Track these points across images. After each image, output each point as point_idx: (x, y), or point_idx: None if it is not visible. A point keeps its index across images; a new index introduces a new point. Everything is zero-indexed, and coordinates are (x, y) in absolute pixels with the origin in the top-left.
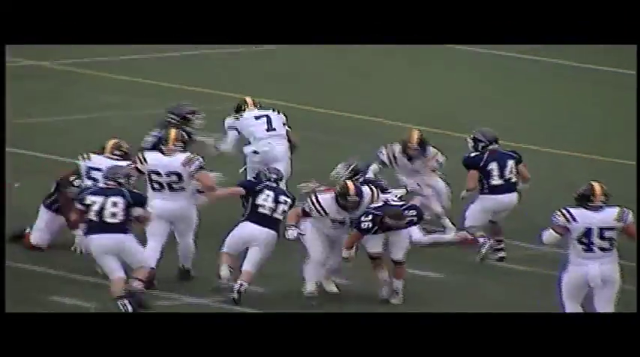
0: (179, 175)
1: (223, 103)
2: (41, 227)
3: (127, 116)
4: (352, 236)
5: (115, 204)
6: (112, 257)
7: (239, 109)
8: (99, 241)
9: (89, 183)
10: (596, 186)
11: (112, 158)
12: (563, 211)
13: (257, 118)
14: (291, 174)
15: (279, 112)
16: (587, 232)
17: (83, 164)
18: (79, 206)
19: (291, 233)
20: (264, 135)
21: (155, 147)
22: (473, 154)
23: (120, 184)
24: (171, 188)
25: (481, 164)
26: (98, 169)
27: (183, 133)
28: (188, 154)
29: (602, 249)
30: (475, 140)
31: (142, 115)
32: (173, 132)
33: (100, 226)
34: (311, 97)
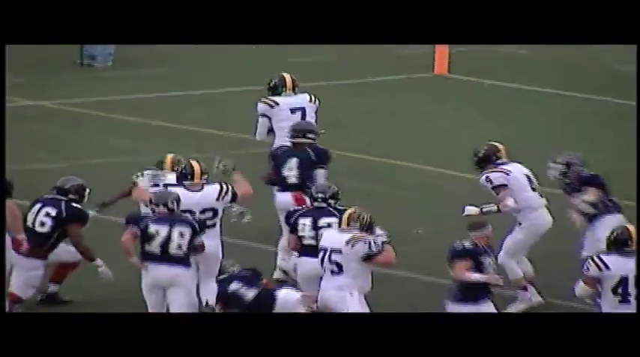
0: (215, 211)
1: (239, 147)
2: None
3: (136, 163)
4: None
5: (182, 234)
6: (160, 293)
7: (274, 90)
8: (157, 272)
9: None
10: (632, 229)
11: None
12: (596, 259)
13: (292, 111)
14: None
15: (314, 100)
16: (623, 282)
17: (148, 183)
18: (133, 231)
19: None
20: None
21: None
22: (589, 172)
23: (172, 210)
24: (203, 226)
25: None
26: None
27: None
28: (217, 185)
29: None
30: (568, 165)
31: (154, 160)
32: (197, 166)
33: (160, 258)
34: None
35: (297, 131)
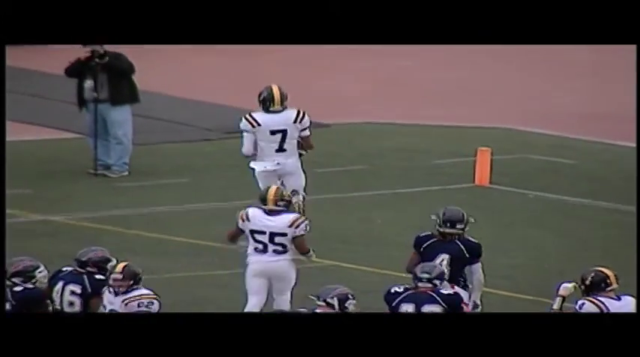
0: (285, 236)
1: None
2: None
3: (155, 280)
4: None
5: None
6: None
7: (263, 104)
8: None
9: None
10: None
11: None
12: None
13: (273, 133)
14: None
15: (301, 118)
16: None
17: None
18: None
19: None
20: (272, 153)
21: None
22: None
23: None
24: (275, 248)
25: None
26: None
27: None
28: (296, 214)
29: None
30: None
31: (174, 278)
32: (274, 189)
33: None
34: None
35: (446, 221)
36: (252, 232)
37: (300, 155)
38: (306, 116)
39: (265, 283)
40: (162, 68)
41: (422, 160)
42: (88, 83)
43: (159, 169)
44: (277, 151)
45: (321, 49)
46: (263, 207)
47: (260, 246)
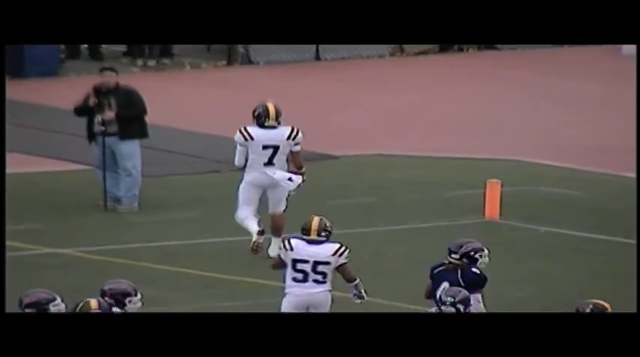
0: (328, 264)
1: (275, 295)
2: None
3: (165, 313)
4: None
5: None
6: None
7: (258, 119)
8: None
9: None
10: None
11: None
12: None
13: (265, 147)
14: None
15: (295, 135)
16: None
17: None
18: None
19: None
20: (259, 166)
21: None
22: None
23: None
24: (315, 278)
25: None
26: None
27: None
28: (338, 244)
29: None
30: None
31: (184, 310)
32: (317, 220)
33: None
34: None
35: (448, 250)
36: (295, 261)
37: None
38: (300, 133)
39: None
40: (172, 100)
41: (432, 192)
42: (98, 118)
43: (169, 201)
44: (266, 164)
45: (331, 85)
46: (305, 237)
47: (300, 275)
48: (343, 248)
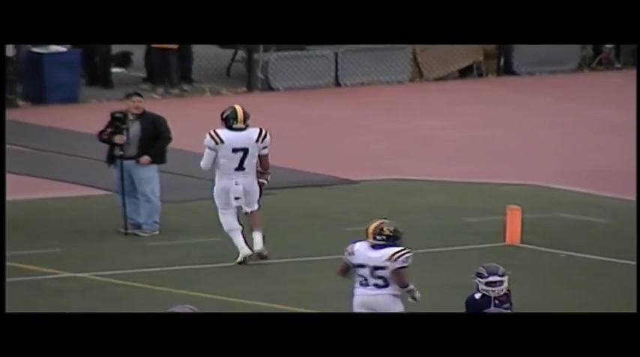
0: (384, 269)
1: None
2: None
3: None
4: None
5: None
6: None
7: (227, 121)
8: None
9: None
10: None
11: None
12: None
13: (235, 150)
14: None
15: (263, 137)
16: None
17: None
18: None
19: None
20: (230, 172)
21: None
22: None
23: None
24: (375, 282)
25: None
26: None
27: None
28: (397, 248)
29: None
30: None
31: None
32: (374, 224)
33: None
34: None
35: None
36: (356, 265)
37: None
38: (268, 135)
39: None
40: (192, 125)
41: (452, 217)
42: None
43: (190, 226)
44: (237, 169)
45: (350, 111)
46: (368, 241)
47: (362, 279)
48: (401, 253)
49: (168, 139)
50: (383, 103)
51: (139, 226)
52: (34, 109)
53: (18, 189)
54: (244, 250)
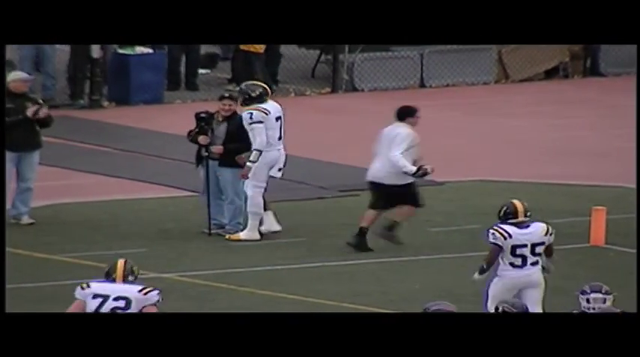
0: (543, 244)
1: None
2: None
3: None
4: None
5: None
6: None
7: (261, 97)
8: None
9: None
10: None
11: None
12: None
13: (277, 119)
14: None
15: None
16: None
17: None
18: None
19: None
20: (276, 141)
21: None
22: None
23: None
24: (533, 260)
25: None
26: None
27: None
28: (544, 223)
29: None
30: None
31: None
32: (520, 203)
33: None
34: None
35: None
36: (514, 247)
37: None
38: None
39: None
40: None
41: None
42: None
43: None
44: (279, 138)
45: (435, 112)
46: (512, 221)
47: (519, 260)
48: (550, 228)
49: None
50: (468, 104)
51: (222, 227)
52: (119, 110)
53: (103, 190)
54: (255, 235)
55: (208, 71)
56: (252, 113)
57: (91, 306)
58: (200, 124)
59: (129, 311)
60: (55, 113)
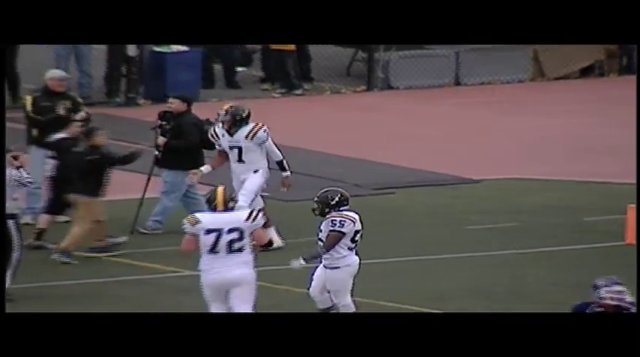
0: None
1: None
2: None
3: None
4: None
5: None
6: None
7: (246, 120)
8: None
9: None
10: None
11: None
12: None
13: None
14: None
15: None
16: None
17: None
18: None
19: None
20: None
21: None
22: None
23: None
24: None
25: None
26: None
27: None
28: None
29: None
30: None
31: None
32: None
33: None
34: None
35: None
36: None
37: None
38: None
39: None
40: (311, 124)
41: (572, 216)
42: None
43: (308, 225)
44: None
45: (471, 109)
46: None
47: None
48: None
49: (186, 142)
50: (503, 102)
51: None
52: (155, 108)
53: (134, 187)
54: (279, 242)
55: (245, 69)
56: (262, 131)
57: (207, 242)
58: (160, 123)
59: (243, 241)
60: (92, 111)
